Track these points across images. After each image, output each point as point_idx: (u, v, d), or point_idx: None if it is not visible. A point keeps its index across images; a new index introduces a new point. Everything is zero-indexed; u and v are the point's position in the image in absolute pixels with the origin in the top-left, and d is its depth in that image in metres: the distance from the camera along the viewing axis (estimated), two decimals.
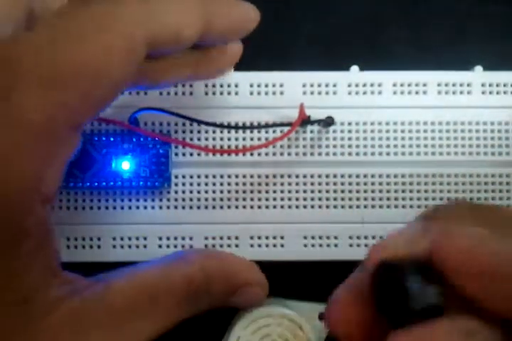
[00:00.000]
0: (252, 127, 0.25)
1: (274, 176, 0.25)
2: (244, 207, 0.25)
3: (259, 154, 0.25)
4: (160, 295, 0.19)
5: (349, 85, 0.26)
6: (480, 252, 0.11)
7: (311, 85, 0.26)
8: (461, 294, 0.11)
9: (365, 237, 0.25)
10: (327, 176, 0.25)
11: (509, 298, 0.11)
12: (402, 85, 0.26)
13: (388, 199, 0.25)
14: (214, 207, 0.25)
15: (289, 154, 0.25)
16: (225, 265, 0.21)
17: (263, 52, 0.29)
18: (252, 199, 0.25)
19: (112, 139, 0.25)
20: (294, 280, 0.26)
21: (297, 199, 0.25)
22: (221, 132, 0.25)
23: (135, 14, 0.16)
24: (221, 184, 0.25)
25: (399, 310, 0.11)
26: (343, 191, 0.25)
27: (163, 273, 0.20)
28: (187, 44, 0.17)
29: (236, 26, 0.19)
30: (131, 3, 0.16)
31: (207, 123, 0.24)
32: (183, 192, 0.25)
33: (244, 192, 0.25)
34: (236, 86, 0.26)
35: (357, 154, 0.25)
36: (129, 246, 0.25)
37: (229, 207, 0.25)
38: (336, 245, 0.25)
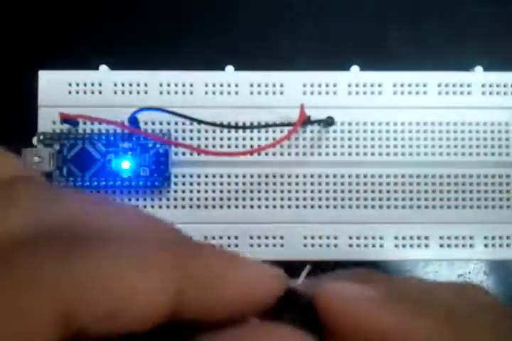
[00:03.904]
0: (252, 127, 0.25)
1: (274, 176, 0.25)
2: (244, 207, 0.25)
3: (259, 154, 0.25)
4: None
5: (349, 85, 0.26)
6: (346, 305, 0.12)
7: (311, 85, 0.26)
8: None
9: (365, 237, 0.25)
10: (327, 176, 0.25)
11: None
12: (402, 85, 0.26)
13: (388, 199, 0.25)
14: (214, 207, 0.25)
15: (289, 154, 0.25)
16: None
17: (263, 52, 0.29)
18: (251, 199, 0.25)
19: (111, 139, 0.25)
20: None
21: (297, 199, 0.25)
22: (221, 132, 0.25)
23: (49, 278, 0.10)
24: (221, 184, 0.25)
25: None
26: (343, 191, 0.25)
27: None
28: (138, 326, 0.10)
29: (234, 299, 0.11)
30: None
31: (207, 123, 0.24)
32: (183, 191, 0.25)
33: (244, 192, 0.25)
34: (236, 86, 0.26)
35: (357, 154, 0.25)
36: None
37: (229, 206, 0.25)
38: (335, 245, 0.25)
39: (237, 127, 0.25)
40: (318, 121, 0.25)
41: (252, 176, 0.25)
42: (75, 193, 0.12)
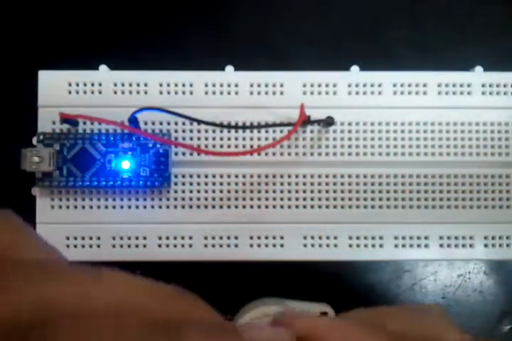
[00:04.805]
0: (252, 127, 0.25)
1: (274, 176, 0.25)
2: (244, 207, 0.25)
3: (259, 154, 0.25)
4: None
5: (349, 85, 0.26)
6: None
7: (311, 85, 0.26)
8: None
9: (365, 237, 0.25)
10: (327, 176, 0.25)
11: None
12: (402, 85, 0.26)
13: (388, 199, 0.25)
14: (214, 207, 0.25)
15: (289, 154, 0.25)
16: None
17: (263, 52, 0.29)
18: (251, 199, 0.25)
19: (111, 139, 0.25)
20: (294, 280, 0.26)
21: (297, 199, 0.25)
22: (221, 132, 0.25)
23: None
24: (221, 184, 0.25)
25: None
26: (342, 191, 0.25)
27: None
28: None
29: None
30: None
31: (207, 123, 0.24)
32: (183, 191, 0.25)
33: (244, 192, 0.25)
34: (236, 86, 0.26)
35: (357, 154, 0.25)
36: (129, 246, 0.25)
37: (229, 207, 0.25)
38: (335, 245, 0.25)
39: (237, 127, 0.25)
40: (318, 121, 0.25)
41: (252, 176, 0.25)
42: (67, 270, 0.12)
